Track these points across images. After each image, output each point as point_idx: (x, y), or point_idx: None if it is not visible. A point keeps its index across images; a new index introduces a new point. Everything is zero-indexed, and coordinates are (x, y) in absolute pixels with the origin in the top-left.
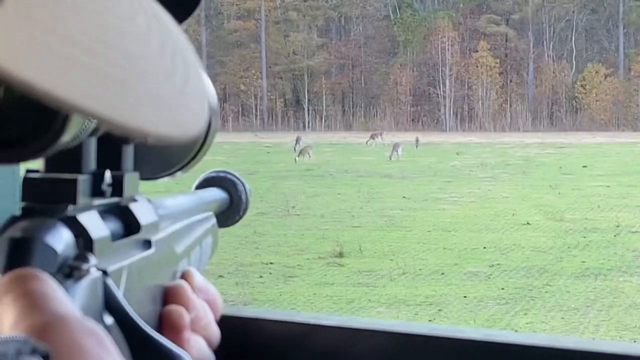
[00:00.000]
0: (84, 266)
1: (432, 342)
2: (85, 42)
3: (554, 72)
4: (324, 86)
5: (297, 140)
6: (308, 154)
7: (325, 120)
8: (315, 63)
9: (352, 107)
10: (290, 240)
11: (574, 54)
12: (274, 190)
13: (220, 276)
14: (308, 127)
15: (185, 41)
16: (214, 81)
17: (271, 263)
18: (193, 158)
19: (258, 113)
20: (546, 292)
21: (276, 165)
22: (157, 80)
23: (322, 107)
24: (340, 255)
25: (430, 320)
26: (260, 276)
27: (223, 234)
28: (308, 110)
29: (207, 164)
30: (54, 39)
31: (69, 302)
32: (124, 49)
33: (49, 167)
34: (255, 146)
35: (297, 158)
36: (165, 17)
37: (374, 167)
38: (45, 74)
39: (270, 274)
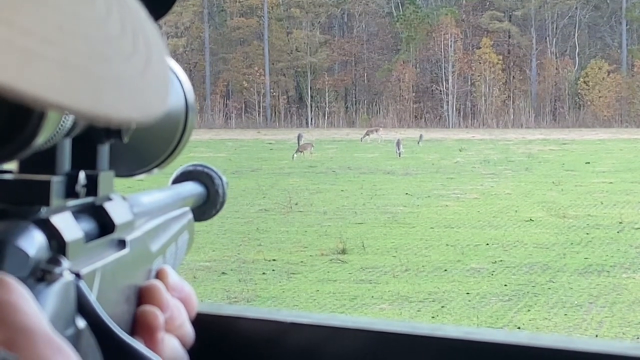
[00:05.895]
0: (56, 270)
1: (412, 339)
2: (45, 32)
3: (556, 69)
4: (326, 83)
5: (299, 138)
6: (308, 150)
7: (328, 117)
8: (318, 60)
9: (355, 104)
10: (292, 237)
11: (576, 51)
12: (277, 187)
13: (223, 273)
14: (311, 123)
15: (146, 19)
16: (217, 78)
17: (274, 260)
18: (170, 154)
19: (261, 110)
20: (549, 288)
21: (279, 162)
22: (118, 63)
23: (325, 103)
24: (343, 252)
25: (433, 317)
26: (263, 273)
27: (225, 231)
28: (311, 107)
29: (210, 161)
30: (15, 33)
31: (37, 313)
32: (83, 34)
33: (23, 168)
34: (258, 143)
35: (295, 155)
36: None
37: (377, 164)
38: (6, 69)
39: (273, 270)
